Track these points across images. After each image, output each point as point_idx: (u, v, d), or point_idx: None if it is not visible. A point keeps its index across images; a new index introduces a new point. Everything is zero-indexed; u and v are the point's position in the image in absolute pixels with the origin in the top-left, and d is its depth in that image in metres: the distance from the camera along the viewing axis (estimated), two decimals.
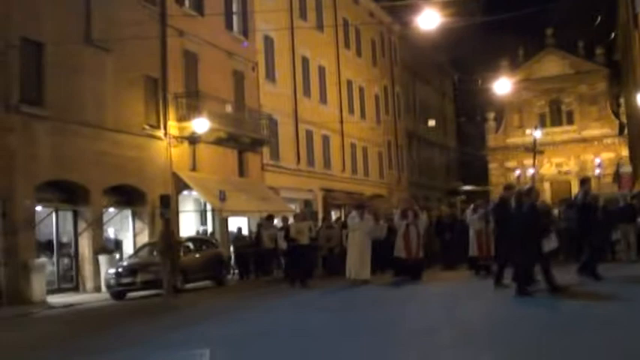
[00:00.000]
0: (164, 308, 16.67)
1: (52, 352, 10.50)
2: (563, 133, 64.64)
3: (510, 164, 66.08)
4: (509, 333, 9.31)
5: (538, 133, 61.42)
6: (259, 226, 26.24)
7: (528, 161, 64.45)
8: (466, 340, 8.90)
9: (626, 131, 59.61)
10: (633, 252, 18.69)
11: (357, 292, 16.56)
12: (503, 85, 45.78)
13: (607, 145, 63.14)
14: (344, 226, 23.27)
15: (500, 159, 67.04)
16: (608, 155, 62.50)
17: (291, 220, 22.26)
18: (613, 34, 48.99)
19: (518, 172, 24.54)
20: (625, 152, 61.28)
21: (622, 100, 62.14)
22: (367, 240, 18.22)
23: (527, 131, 61.74)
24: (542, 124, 64.32)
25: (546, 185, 62.44)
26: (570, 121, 65.08)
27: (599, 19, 45.14)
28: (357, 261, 17.81)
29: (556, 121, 65.32)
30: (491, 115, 68.22)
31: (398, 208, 19.65)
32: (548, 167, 64.63)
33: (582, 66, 64.73)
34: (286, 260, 20.97)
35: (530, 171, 56.88)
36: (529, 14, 58.67)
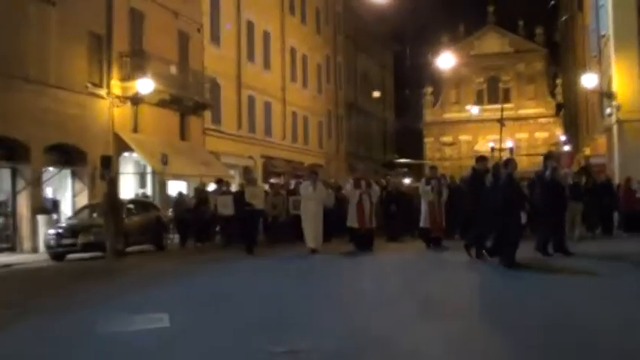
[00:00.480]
0: (109, 271, 16.30)
1: (3, 311, 10.15)
2: (499, 110, 65.53)
3: (446, 139, 66.97)
4: (475, 303, 9.42)
5: (475, 109, 62.53)
6: (200, 190, 25.84)
7: (464, 137, 65.62)
8: (434, 309, 8.93)
9: (562, 111, 60.96)
10: (577, 231, 18.94)
11: (313, 260, 16.40)
12: (444, 60, 46.15)
13: (542, 124, 64.51)
14: (290, 193, 23.13)
15: (436, 133, 67.86)
16: (542, 134, 63.95)
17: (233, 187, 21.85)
18: (564, 18, 49.66)
19: (492, 144, 23.94)
20: (559, 132, 62.74)
21: (559, 81, 63.43)
22: (321, 209, 18.04)
23: (467, 107, 62.74)
24: (480, 101, 65.42)
25: None
26: (507, 99, 66.07)
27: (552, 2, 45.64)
28: (312, 230, 17.58)
29: (493, 99, 66.26)
30: (428, 90, 68.87)
31: (350, 177, 19.37)
32: (483, 144, 65.63)
33: (522, 45, 65.80)
34: (237, 226, 20.39)
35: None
36: None
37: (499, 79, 66.68)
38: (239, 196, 19.44)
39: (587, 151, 37.56)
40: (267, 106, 39.62)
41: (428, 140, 68.35)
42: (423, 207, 18.20)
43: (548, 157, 15.45)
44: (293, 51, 43.46)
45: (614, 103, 27.37)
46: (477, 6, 66.54)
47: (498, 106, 65.52)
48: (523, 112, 65.00)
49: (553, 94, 64.73)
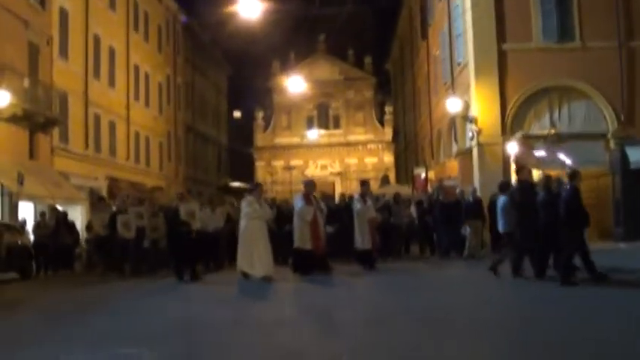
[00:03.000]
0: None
1: None
2: (329, 136, 66.73)
3: (277, 163, 67.04)
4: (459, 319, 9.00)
5: (314, 134, 63.40)
6: (61, 213, 23.97)
7: (296, 161, 66.08)
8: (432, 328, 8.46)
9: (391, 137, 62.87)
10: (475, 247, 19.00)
11: (272, 287, 14.28)
12: (292, 84, 46.35)
13: (371, 150, 66.16)
14: (166, 215, 21.33)
15: (267, 157, 67.74)
16: (371, 160, 65.61)
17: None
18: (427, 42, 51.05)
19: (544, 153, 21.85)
20: (388, 158, 64.61)
21: (387, 108, 65.46)
22: (266, 229, 15.72)
23: (305, 132, 63.42)
24: (310, 127, 66.28)
25: None
26: (337, 125, 67.35)
27: None
28: (264, 254, 15.14)
29: (323, 124, 67.27)
30: (259, 115, 68.71)
31: (299, 192, 17.30)
32: (314, 168, 66.40)
33: (351, 73, 67.31)
34: (172, 248, 17.40)
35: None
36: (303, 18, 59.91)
37: (329, 105, 67.78)
38: (172, 215, 17.00)
39: (432, 175, 38.53)
40: (112, 125, 37.71)
41: (259, 164, 68.09)
42: (361, 226, 16.87)
43: (518, 170, 14.08)
44: (137, 69, 41.75)
45: (474, 127, 28.21)
46: (307, 34, 67.24)
47: (329, 131, 66.89)
48: (352, 137, 66.42)
49: (381, 121, 66.67)
